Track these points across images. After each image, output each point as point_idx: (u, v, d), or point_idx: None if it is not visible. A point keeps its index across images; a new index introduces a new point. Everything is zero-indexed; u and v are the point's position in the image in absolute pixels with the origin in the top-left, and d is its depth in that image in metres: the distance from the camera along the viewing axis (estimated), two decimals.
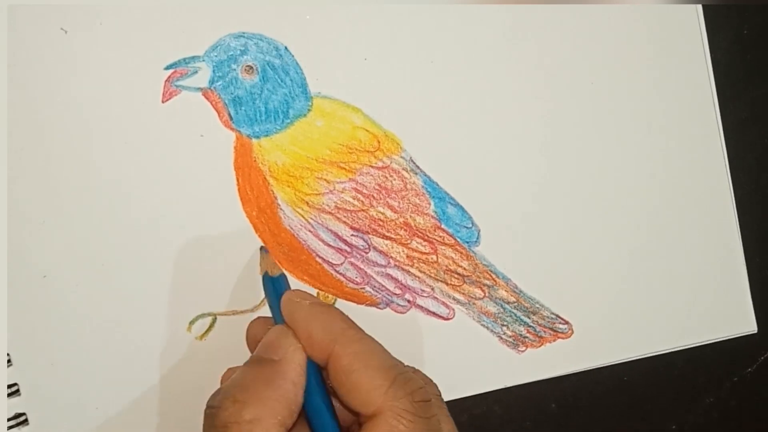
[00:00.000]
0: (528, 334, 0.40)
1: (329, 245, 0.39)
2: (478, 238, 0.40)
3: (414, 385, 0.29)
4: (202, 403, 0.39)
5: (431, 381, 0.31)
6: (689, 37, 0.41)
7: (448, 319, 0.40)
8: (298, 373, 0.29)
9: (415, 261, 0.39)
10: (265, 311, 0.39)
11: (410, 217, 0.39)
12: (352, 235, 0.39)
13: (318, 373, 0.30)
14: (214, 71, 0.38)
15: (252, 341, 0.34)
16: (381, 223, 0.39)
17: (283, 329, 0.30)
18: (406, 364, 0.30)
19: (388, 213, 0.39)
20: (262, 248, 0.38)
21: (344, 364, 0.29)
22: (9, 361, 0.38)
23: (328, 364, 0.29)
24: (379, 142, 0.39)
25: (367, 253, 0.39)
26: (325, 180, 0.39)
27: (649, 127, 0.41)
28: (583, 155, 0.41)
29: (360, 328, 0.30)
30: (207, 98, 0.38)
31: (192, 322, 0.39)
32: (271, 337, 0.30)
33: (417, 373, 0.31)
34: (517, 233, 0.40)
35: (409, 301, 0.40)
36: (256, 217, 0.39)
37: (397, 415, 0.28)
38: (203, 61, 0.38)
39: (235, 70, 0.38)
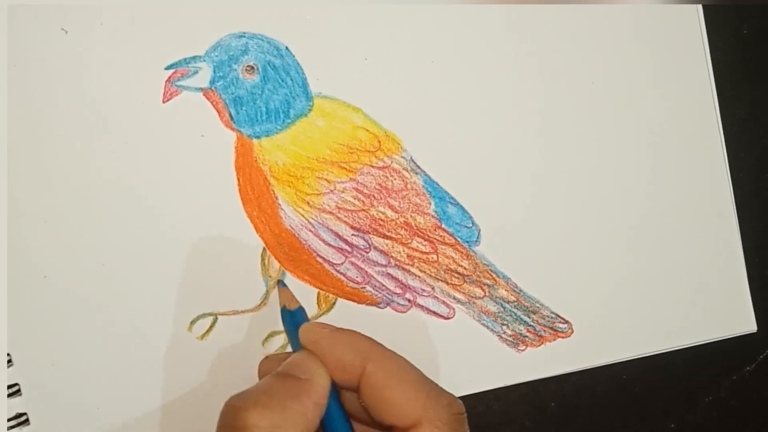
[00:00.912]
0: (528, 334, 0.40)
1: (330, 245, 0.39)
2: (478, 238, 0.40)
3: (449, 397, 0.29)
4: (203, 403, 0.39)
5: (459, 400, 0.32)
6: (689, 37, 0.41)
7: (448, 318, 0.40)
8: (321, 395, 0.29)
9: (415, 260, 0.40)
10: (266, 312, 0.39)
11: (411, 216, 0.39)
12: (352, 234, 0.39)
13: (339, 400, 0.30)
14: (214, 71, 0.38)
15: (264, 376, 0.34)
16: (381, 222, 0.39)
17: (310, 354, 0.30)
18: None
19: (389, 213, 0.39)
20: (280, 282, 0.38)
21: (378, 379, 0.29)
22: (9, 361, 0.38)
23: (360, 382, 0.29)
24: (379, 141, 0.39)
25: (367, 252, 0.39)
26: (325, 180, 0.39)
27: (649, 127, 0.41)
28: (582, 155, 0.41)
29: (384, 346, 0.30)
30: (208, 98, 0.38)
31: (193, 322, 0.39)
32: (297, 358, 0.30)
33: (440, 391, 0.31)
34: (517, 233, 0.40)
35: (409, 301, 0.40)
36: (256, 217, 0.39)
37: (435, 427, 0.28)
38: (204, 61, 0.38)
39: (235, 70, 0.38)
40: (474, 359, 0.40)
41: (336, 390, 0.30)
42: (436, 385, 0.30)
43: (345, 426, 0.30)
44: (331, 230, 0.39)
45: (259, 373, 0.34)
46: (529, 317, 0.40)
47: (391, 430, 0.29)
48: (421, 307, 0.40)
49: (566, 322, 0.41)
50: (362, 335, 0.31)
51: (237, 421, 0.27)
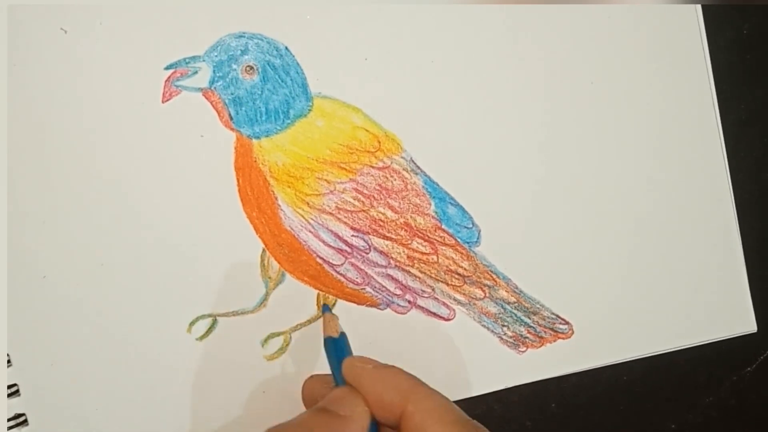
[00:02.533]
0: (528, 335, 0.40)
1: (330, 246, 0.39)
2: (478, 239, 0.40)
3: None
4: (202, 403, 0.39)
5: None
6: (689, 37, 0.41)
7: (448, 319, 0.40)
8: None
9: (415, 261, 0.39)
10: (266, 313, 0.39)
11: (411, 217, 0.39)
12: (352, 235, 0.39)
13: None
14: (214, 71, 0.38)
15: (308, 397, 0.34)
16: (381, 223, 0.39)
17: (351, 389, 0.30)
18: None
19: (389, 213, 0.39)
20: (324, 306, 0.38)
21: (418, 421, 0.29)
22: (9, 361, 0.38)
23: (401, 422, 0.29)
24: (379, 142, 0.39)
25: (367, 253, 0.39)
26: (325, 180, 0.39)
27: (649, 127, 0.41)
28: (582, 155, 0.41)
29: (427, 384, 0.30)
30: (207, 98, 0.38)
31: (192, 323, 0.39)
32: (339, 394, 0.30)
33: (480, 429, 0.31)
34: (517, 233, 0.40)
35: (409, 302, 0.40)
36: (256, 218, 0.38)
37: None
38: (203, 61, 0.38)
39: (235, 70, 0.38)
40: (474, 361, 0.40)
41: (376, 427, 0.30)
42: (475, 423, 0.30)
43: None
44: (331, 231, 0.39)
45: (303, 391, 0.34)
46: (530, 318, 0.40)
47: None
48: (422, 308, 0.40)
49: (566, 323, 0.41)
50: (405, 373, 0.30)
51: None
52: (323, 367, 0.34)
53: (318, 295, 0.39)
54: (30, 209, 0.38)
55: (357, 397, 0.30)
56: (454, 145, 0.40)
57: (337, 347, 0.32)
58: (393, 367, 0.31)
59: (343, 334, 0.33)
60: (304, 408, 0.33)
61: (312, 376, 0.34)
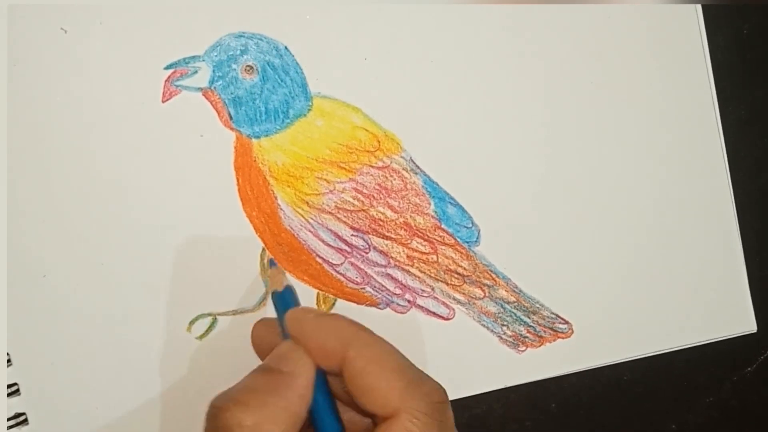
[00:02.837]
0: (528, 334, 0.40)
1: (329, 245, 0.39)
2: (478, 238, 0.40)
3: (430, 385, 0.29)
4: (203, 403, 0.39)
5: (441, 386, 0.31)
6: (689, 37, 0.41)
7: (448, 319, 0.40)
8: (305, 387, 0.29)
9: (415, 261, 0.39)
10: (265, 312, 0.39)
11: (410, 217, 0.39)
12: (352, 235, 0.39)
13: (326, 387, 0.30)
14: (214, 71, 0.38)
15: (257, 342, 0.33)
16: (381, 223, 0.39)
17: (294, 344, 0.30)
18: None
19: (388, 213, 0.39)
20: (270, 260, 0.38)
21: (359, 367, 0.29)
22: (9, 361, 0.38)
23: (343, 369, 0.29)
24: (379, 141, 0.39)
25: (367, 253, 0.39)
26: (325, 180, 0.39)
27: (649, 128, 0.41)
28: (582, 155, 0.41)
29: (371, 331, 0.30)
30: (207, 98, 0.38)
31: (192, 322, 0.39)
32: (281, 350, 0.30)
33: (425, 379, 0.31)
34: (517, 233, 0.40)
35: (409, 301, 0.40)
36: (256, 218, 0.39)
37: (413, 416, 0.28)
38: (203, 60, 0.38)
39: (235, 69, 0.38)
40: (474, 360, 0.40)
41: (323, 377, 0.30)
42: (419, 372, 0.29)
43: (330, 417, 0.29)
44: (331, 230, 0.39)
45: (252, 336, 0.33)
46: (529, 318, 0.40)
47: (375, 419, 0.29)
48: (421, 307, 0.40)
49: (566, 322, 0.41)
50: (347, 320, 0.30)
51: (218, 421, 0.27)
52: None
53: (318, 294, 0.39)
54: (30, 209, 0.38)
55: (299, 351, 0.29)
56: (453, 145, 0.40)
57: (282, 300, 0.32)
58: (335, 314, 0.30)
59: (288, 287, 0.33)
60: (259, 358, 0.32)
61: (261, 321, 0.33)
